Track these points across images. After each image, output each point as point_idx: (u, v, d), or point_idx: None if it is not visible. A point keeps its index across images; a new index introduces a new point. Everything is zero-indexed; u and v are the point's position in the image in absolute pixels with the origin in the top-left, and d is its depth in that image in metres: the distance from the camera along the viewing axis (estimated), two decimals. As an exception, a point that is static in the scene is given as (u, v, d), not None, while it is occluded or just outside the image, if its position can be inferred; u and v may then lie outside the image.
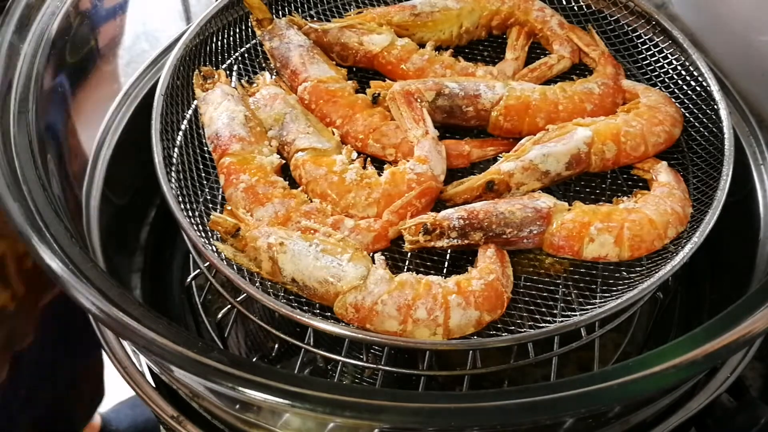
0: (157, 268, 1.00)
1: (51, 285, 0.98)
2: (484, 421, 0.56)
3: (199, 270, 0.84)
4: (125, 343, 0.79)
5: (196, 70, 0.88)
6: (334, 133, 0.83)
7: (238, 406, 0.70)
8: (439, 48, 0.93)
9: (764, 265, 0.82)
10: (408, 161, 0.79)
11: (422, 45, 0.92)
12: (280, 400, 0.56)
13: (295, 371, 0.84)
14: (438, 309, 0.68)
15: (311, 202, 0.77)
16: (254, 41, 0.94)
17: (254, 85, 0.88)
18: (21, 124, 0.76)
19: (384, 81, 0.87)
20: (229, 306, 0.82)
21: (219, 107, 0.82)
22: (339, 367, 0.85)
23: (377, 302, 0.68)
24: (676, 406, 0.75)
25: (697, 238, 0.73)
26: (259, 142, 0.81)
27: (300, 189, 0.79)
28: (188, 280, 0.91)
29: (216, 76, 0.87)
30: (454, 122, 0.85)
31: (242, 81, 0.90)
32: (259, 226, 0.72)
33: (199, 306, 0.95)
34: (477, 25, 0.95)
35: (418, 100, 0.82)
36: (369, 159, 0.82)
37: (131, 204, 0.99)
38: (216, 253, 0.72)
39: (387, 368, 0.77)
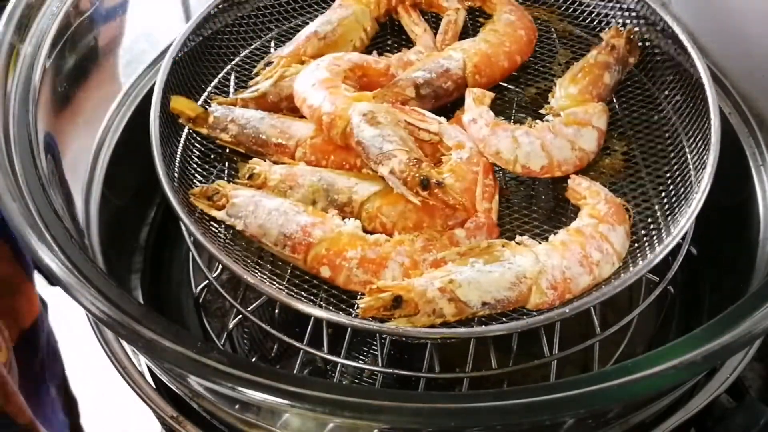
0: (157, 269, 1.00)
1: None
2: (483, 422, 0.56)
3: (205, 276, 0.83)
4: (124, 343, 0.79)
5: (191, 197, 0.79)
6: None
7: (237, 406, 0.70)
8: None
9: (764, 266, 0.82)
10: (451, 155, 0.79)
11: None
12: (280, 400, 0.56)
13: (294, 371, 0.83)
14: (603, 242, 0.73)
15: (414, 239, 0.74)
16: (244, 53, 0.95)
17: (254, 177, 0.80)
18: (21, 124, 0.76)
19: None
20: (231, 309, 0.82)
21: (258, 213, 0.76)
22: (338, 368, 0.85)
23: (563, 270, 0.71)
24: (676, 407, 0.75)
25: (699, 195, 0.75)
26: (325, 218, 0.75)
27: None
28: (196, 291, 0.91)
29: (221, 190, 0.78)
30: (442, 103, 0.87)
31: (239, 182, 0.81)
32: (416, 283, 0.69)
33: (200, 307, 0.95)
34: (371, 20, 0.96)
35: (406, 104, 0.82)
36: None
37: (131, 204, 0.99)
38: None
39: (385, 370, 0.77)
